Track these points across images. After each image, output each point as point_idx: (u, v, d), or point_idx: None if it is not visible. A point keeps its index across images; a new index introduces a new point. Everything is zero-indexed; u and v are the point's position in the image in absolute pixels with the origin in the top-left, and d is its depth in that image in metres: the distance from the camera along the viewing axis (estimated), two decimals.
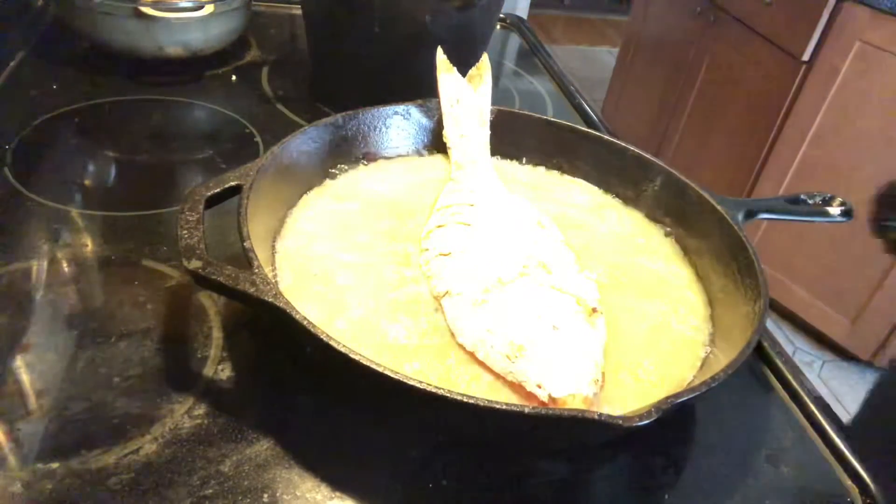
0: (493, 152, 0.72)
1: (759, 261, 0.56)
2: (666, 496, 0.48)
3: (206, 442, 0.45)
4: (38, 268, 0.57)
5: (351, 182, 0.67)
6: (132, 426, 0.45)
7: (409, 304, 0.53)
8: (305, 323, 0.42)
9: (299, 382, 0.51)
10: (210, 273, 0.45)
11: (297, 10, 1.08)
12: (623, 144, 0.71)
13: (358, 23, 0.80)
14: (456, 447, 0.48)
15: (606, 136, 0.73)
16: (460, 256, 0.56)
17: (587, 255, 0.62)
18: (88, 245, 0.61)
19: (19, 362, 0.49)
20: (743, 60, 2.04)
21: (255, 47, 1.01)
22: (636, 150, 0.70)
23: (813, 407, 0.56)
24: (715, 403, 0.56)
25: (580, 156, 0.73)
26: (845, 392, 1.96)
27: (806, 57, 1.79)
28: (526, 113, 0.76)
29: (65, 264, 0.58)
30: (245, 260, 0.46)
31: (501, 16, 1.23)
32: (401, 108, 0.71)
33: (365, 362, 0.40)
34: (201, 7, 0.85)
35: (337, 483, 0.44)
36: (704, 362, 0.53)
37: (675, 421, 0.53)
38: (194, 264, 0.45)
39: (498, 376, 0.47)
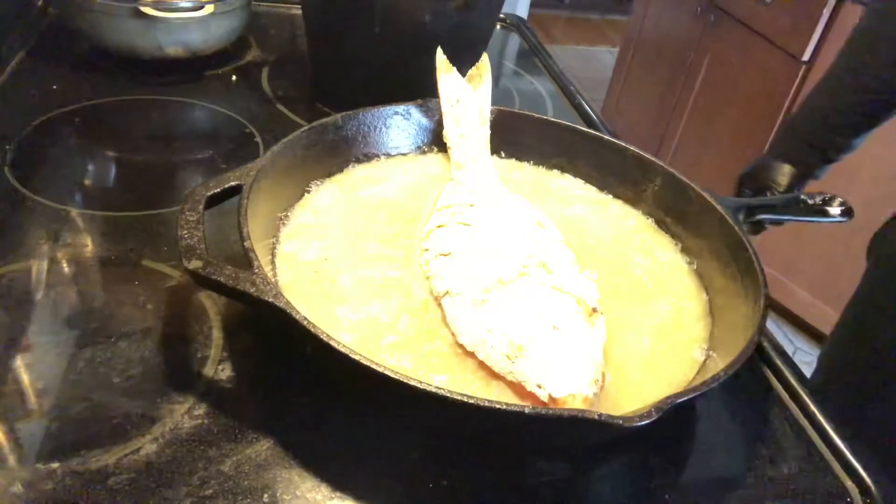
0: (493, 152, 0.72)
1: (759, 261, 0.56)
2: (666, 496, 0.48)
3: (206, 442, 0.45)
4: (38, 268, 0.57)
5: (351, 182, 0.67)
6: (132, 426, 0.45)
7: (408, 303, 0.53)
8: (305, 323, 0.42)
9: (299, 382, 0.51)
10: (210, 273, 0.45)
11: (297, 10, 1.08)
12: (623, 144, 0.71)
13: (358, 23, 0.80)
14: (456, 447, 0.48)
15: (606, 136, 0.73)
16: (460, 256, 0.56)
17: (587, 254, 0.62)
18: (88, 245, 0.61)
19: (19, 362, 0.49)
20: (743, 60, 2.04)
21: (255, 47, 1.01)
22: (636, 150, 0.70)
23: (813, 407, 0.56)
24: (715, 403, 0.56)
25: (580, 156, 0.73)
26: None
27: (806, 57, 1.79)
28: (526, 113, 0.76)
29: (65, 264, 0.58)
30: (245, 260, 0.46)
31: (501, 16, 1.23)
32: (401, 108, 0.71)
33: (365, 362, 0.40)
34: (201, 7, 0.85)
35: (337, 483, 0.44)
36: (704, 362, 0.53)
37: (675, 421, 0.53)
38: (194, 264, 0.45)
39: (498, 376, 0.47)
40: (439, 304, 0.53)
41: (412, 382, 0.40)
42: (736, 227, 0.60)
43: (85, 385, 0.47)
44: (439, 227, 0.60)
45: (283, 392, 0.50)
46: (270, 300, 0.43)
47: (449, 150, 0.71)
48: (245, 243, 0.47)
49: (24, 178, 0.67)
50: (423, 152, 0.73)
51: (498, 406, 0.40)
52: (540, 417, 0.40)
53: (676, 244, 0.66)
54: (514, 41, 1.24)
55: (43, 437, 0.44)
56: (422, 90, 0.72)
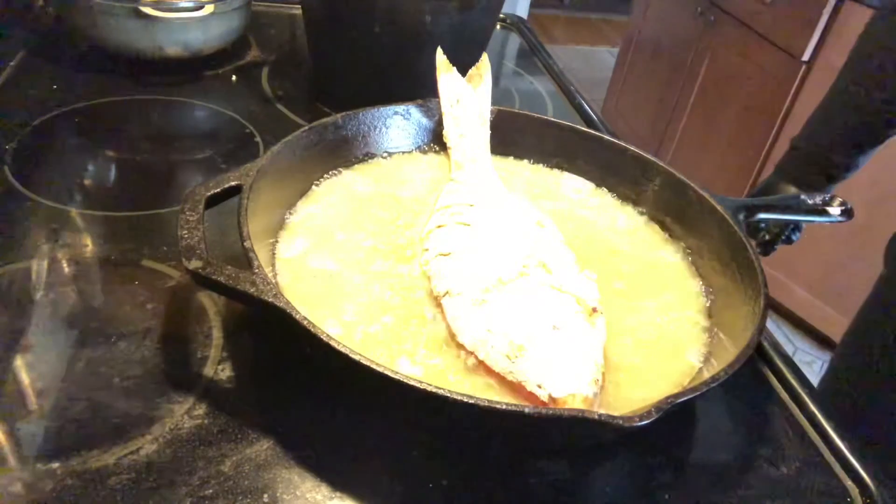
0: (493, 152, 0.72)
1: (759, 261, 0.56)
2: (666, 496, 0.48)
3: (206, 442, 0.45)
4: (38, 268, 0.57)
5: (351, 182, 0.67)
6: (132, 426, 0.45)
7: (408, 303, 0.53)
8: (305, 323, 0.42)
9: (299, 382, 0.51)
10: (210, 273, 0.45)
11: (297, 10, 1.08)
12: (623, 144, 0.71)
13: (358, 23, 0.80)
14: (456, 447, 0.48)
15: (606, 136, 0.73)
16: (460, 256, 0.56)
17: (587, 254, 0.62)
18: (88, 245, 0.61)
19: (19, 362, 0.49)
20: (743, 60, 2.04)
21: (255, 47, 1.01)
22: (636, 150, 0.70)
23: (813, 407, 0.56)
24: (715, 403, 0.56)
25: (580, 156, 0.73)
26: None
27: (806, 57, 1.79)
28: (526, 113, 0.76)
29: (65, 264, 0.58)
30: (245, 260, 0.46)
31: (501, 16, 1.23)
32: (401, 107, 0.71)
33: (365, 362, 0.40)
34: (201, 7, 0.85)
35: (337, 483, 0.44)
36: (704, 362, 0.53)
37: (675, 421, 0.53)
38: (194, 264, 0.45)
39: (498, 376, 0.47)
40: (439, 304, 0.53)
41: (412, 382, 0.40)
42: (736, 227, 0.60)
43: (85, 385, 0.47)
44: (439, 227, 0.60)
45: (283, 392, 0.50)
46: (270, 300, 0.43)
47: (449, 150, 0.71)
48: (245, 243, 0.47)
49: (24, 178, 0.67)
50: (423, 152, 0.73)
51: (498, 406, 0.40)
52: (540, 417, 0.40)
53: (676, 244, 0.66)
54: (514, 41, 1.24)
55: (43, 437, 0.44)
56: (422, 90, 0.72)
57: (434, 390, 0.40)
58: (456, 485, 0.46)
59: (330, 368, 0.48)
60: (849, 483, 0.51)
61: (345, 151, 0.67)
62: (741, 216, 0.63)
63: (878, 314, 0.92)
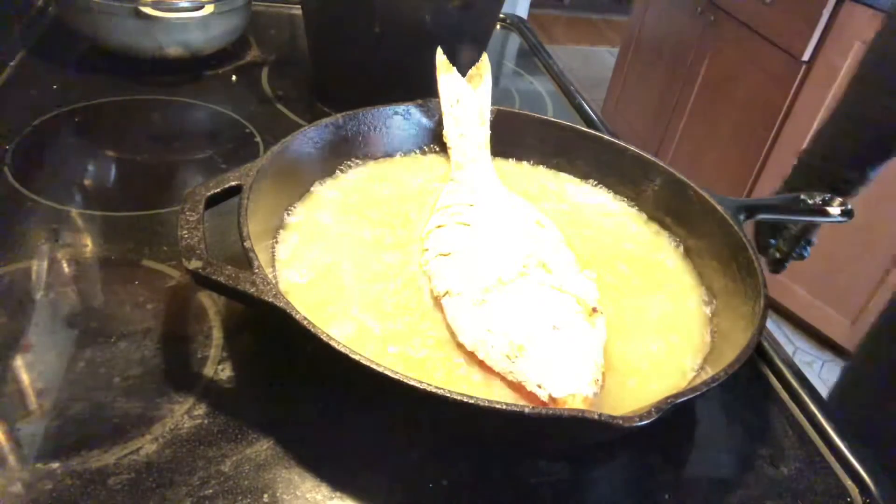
0: (493, 152, 0.72)
1: (760, 261, 0.56)
2: (666, 496, 0.48)
3: (206, 442, 0.45)
4: (38, 268, 0.57)
5: (351, 182, 0.67)
6: (132, 426, 0.45)
7: (408, 303, 0.53)
8: (305, 323, 0.42)
9: (299, 383, 0.51)
10: (210, 273, 0.45)
11: (297, 10, 1.08)
12: (623, 144, 0.71)
13: (358, 23, 0.80)
14: (456, 447, 0.48)
15: (606, 136, 0.73)
16: (460, 256, 0.56)
17: (587, 254, 0.62)
18: (88, 245, 0.61)
19: (19, 362, 0.49)
20: (743, 60, 2.04)
21: (255, 47, 1.01)
22: (636, 150, 0.70)
23: (813, 407, 0.56)
24: (715, 403, 0.56)
25: (580, 156, 0.73)
26: None
27: (806, 57, 1.79)
28: (526, 113, 0.76)
29: (65, 264, 0.58)
30: (245, 260, 0.46)
31: (501, 16, 1.23)
32: (401, 108, 0.71)
33: (365, 362, 0.40)
34: (201, 7, 0.85)
35: (337, 483, 0.44)
36: (704, 362, 0.53)
37: (675, 421, 0.53)
38: (194, 264, 0.45)
39: (498, 376, 0.47)
40: (439, 304, 0.53)
41: (412, 382, 0.40)
42: (736, 227, 0.60)
43: (85, 385, 0.47)
44: (439, 227, 0.60)
45: (283, 392, 0.50)
46: (270, 300, 0.43)
47: (449, 150, 0.71)
48: (245, 243, 0.47)
49: (24, 178, 0.67)
50: (423, 152, 0.73)
51: (498, 406, 0.40)
52: (540, 417, 0.40)
53: (676, 244, 0.66)
54: (514, 41, 1.24)
55: (43, 437, 0.44)
56: (422, 90, 0.72)
57: (434, 390, 0.40)
58: (456, 485, 0.46)
59: (330, 368, 0.48)
60: (849, 483, 0.51)
61: (345, 151, 0.67)
62: (741, 216, 0.63)
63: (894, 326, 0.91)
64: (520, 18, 1.29)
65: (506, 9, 1.06)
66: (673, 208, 0.67)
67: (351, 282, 0.54)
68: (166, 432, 0.45)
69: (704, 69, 2.21)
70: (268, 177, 0.56)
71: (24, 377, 0.48)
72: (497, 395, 0.47)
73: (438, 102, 0.71)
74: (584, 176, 0.73)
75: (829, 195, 0.67)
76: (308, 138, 0.63)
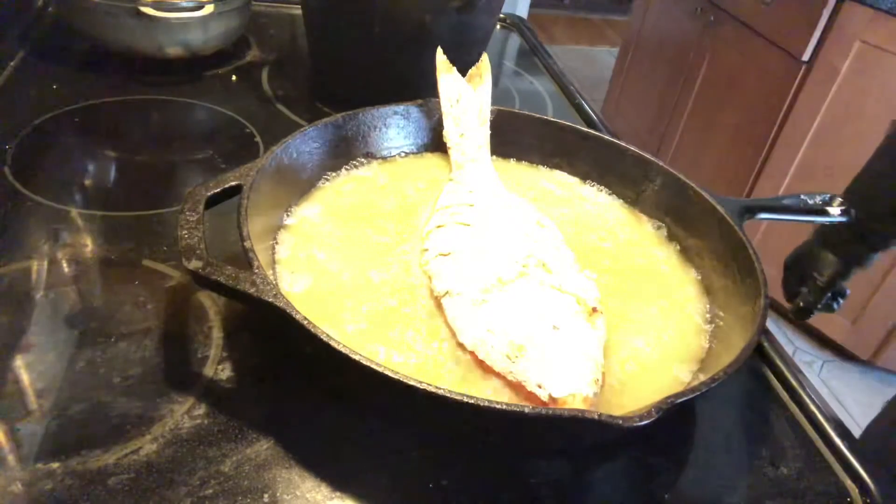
0: (493, 152, 0.72)
1: (759, 261, 0.56)
2: (666, 496, 0.48)
3: (206, 442, 0.45)
4: (38, 268, 0.57)
5: (351, 182, 0.67)
6: (132, 426, 0.45)
7: (408, 303, 0.53)
8: (305, 323, 0.42)
9: (300, 383, 0.51)
10: (210, 273, 0.45)
11: (297, 10, 1.08)
12: (623, 144, 0.71)
13: (358, 23, 0.80)
14: (456, 447, 0.48)
15: (606, 136, 0.73)
16: (460, 256, 0.56)
17: (587, 254, 0.62)
18: (88, 245, 0.61)
19: (19, 362, 0.49)
20: (743, 60, 2.04)
21: (255, 47, 1.02)
22: (636, 150, 0.70)
23: (813, 407, 0.56)
24: (715, 403, 0.56)
25: (580, 156, 0.73)
26: (845, 392, 1.96)
27: (806, 57, 1.79)
28: (526, 113, 0.76)
29: (65, 264, 0.58)
30: (245, 260, 0.46)
31: (501, 16, 1.23)
32: (401, 108, 0.71)
33: (365, 362, 0.40)
34: (201, 7, 0.85)
35: (337, 483, 0.44)
36: (704, 362, 0.53)
37: (675, 421, 0.53)
38: (194, 264, 0.45)
39: (498, 376, 0.47)
40: (439, 304, 0.53)
41: (412, 382, 0.40)
42: (736, 227, 0.60)
43: (85, 385, 0.47)
44: (439, 227, 0.60)
45: (283, 392, 0.50)
46: (270, 300, 0.43)
47: (449, 150, 0.71)
48: (245, 243, 0.47)
49: (24, 178, 0.67)
50: (423, 152, 0.73)
51: (498, 406, 0.40)
52: (540, 417, 0.40)
53: (676, 244, 0.66)
54: (514, 41, 1.24)
55: (43, 437, 0.44)
56: (422, 90, 0.72)
57: (434, 390, 0.40)
58: (456, 485, 0.46)
59: (330, 368, 0.48)
60: (849, 483, 0.51)
61: (345, 151, 0.67)
62: (741, 216, 0.63)
63: None
64: (520, 18, 1.29)
65: (506, 9, 1.06)
66: (673, 208, 0.67)
67: (350, 281, 0.54)
68: (166, 432, 0.45)
69: (704, 69, 2.21)
70: (268, 177, 0.56)
71: (24, 377, 0.48)
72: (497, 395, 0.47)
73: (438, 102, 0.72)
74: (584, 176, 0.73)
75: (829, 195, 0.67)
76: (308, 138, 0.63)
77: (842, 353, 2.03)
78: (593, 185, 0.73)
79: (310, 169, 0.64)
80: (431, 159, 0.72)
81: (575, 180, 0.73)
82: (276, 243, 0.57)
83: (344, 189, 0.65)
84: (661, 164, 0.69)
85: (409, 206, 0.65)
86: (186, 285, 0.57)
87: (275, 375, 0.51)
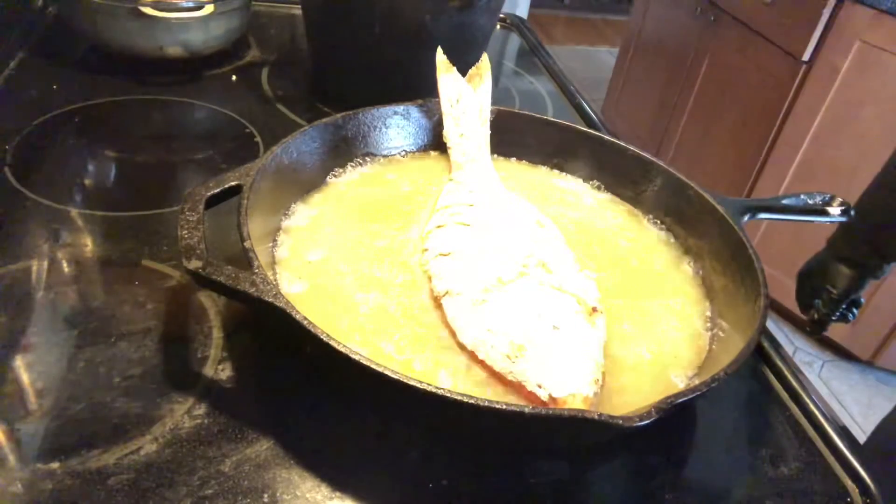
0: (493, 152, 0.72)
1: (759, 261, 0.56)
2: (666, 496, 0.48)
3: (206, 442, 0.45)
4: (38, 268, 0.57)
5: (351, 182, 0.67)
6: (132, 426, 0.45)
7: (408, 304, 0.53)
8: (305, 323, 0.42)
9: (299, 383, 0.51)
10: (210, 273, 0.45)
11: (297, 10, 1.08)
12: (623, 144, 0.71)
13: (358, 23, 0.80)
14: (456, 447, 0.48)
15: (606, 136, 0.73)
16: (460, 256, 0.56)
17: (587, 254, 0.62)
18: (88, 245, 0.61)
19: (19, 362, 0.49)
20: (743, 60, 2.04)
21: (255, 47, 1.02)
22: (636, 150, 0.70)
23: (813, 407, 0.56)
24: (715, 403, 0.56)
25: (580, 156, 0.73)
26: (845, 392, 1.96)
27: (806, 57, 1.79)
28: (526, 113, 0.76)
29: (65, 264, 0.58)
30: (245, 260, 0.46)
31: (501, 16, 1.23)
32: (401, 108, 0.71)
33: (365, 362, 0.40)
34: (201, 7, 0.85)
35: (337, 483, 0.44)
36: (704, 362, 0.53)
37: (675, 421, 0.53)
38: (194, 264, 0.45)
39: (498, 376, 0.47)
40: (439, 304, 0.53)
41: (412, 382, 0.40)
42: (736, 227, 0.60)
43: (85, 385, 0.47)
44: (439, 227, 0.60)
45: (283, 392, 0.50)
46: (270, 300, 0.43)
47: (449, 150, 0.71)
48: (245, 243, 0.47)
49: (24, 178, 0.67)
50: (423, 152, 0.73)
51: (498, 406, 0.40)
52: (540, 417, 0.40)
53: (676, 244, 0.66)
54: (514, 41, 1.24)
55: (43, 437, 0.44)
56: (422, 90, 0.72)
57: (434, 390, 0.40)
58: (456, 485, 0.46)
59: (330, 368, 0.48)
60: (849, 483, 0.51)
61: (345, 151, 0.67)
62: (741, 216, 0.63)
63: None
64: (520, 18, 1.29)
65: (506, 9, 1.06)
66: (673, 208, 0.67)
67: (350, 281, 0.54)
68: (166, 432, 0.45)
69: (704, 69, 2.21)
70: (268, 177, 0.56)
71: (24, 377, 0.48)
72: (497, 395, 0.47)
73: (438, 102, 0.72)
74: (584, 176, 0.73)
75: (829, 195, 0.67)
76: (308, 138, 0.63)
77: (842, 353, 2.03)
78: (593, 185, 0.73)
79: (310, 169, 0.64)
80: (431, 159, 0.72)
81: (575, 180, 0.73)
82: (276, 243, 0.57)
83: (344, 189, 0.65)
84: (661, 164, 0.69)
85: (409, 207, 0.65)
86: (186, 285, 0.57)
87: (275, 375, 0.51)
